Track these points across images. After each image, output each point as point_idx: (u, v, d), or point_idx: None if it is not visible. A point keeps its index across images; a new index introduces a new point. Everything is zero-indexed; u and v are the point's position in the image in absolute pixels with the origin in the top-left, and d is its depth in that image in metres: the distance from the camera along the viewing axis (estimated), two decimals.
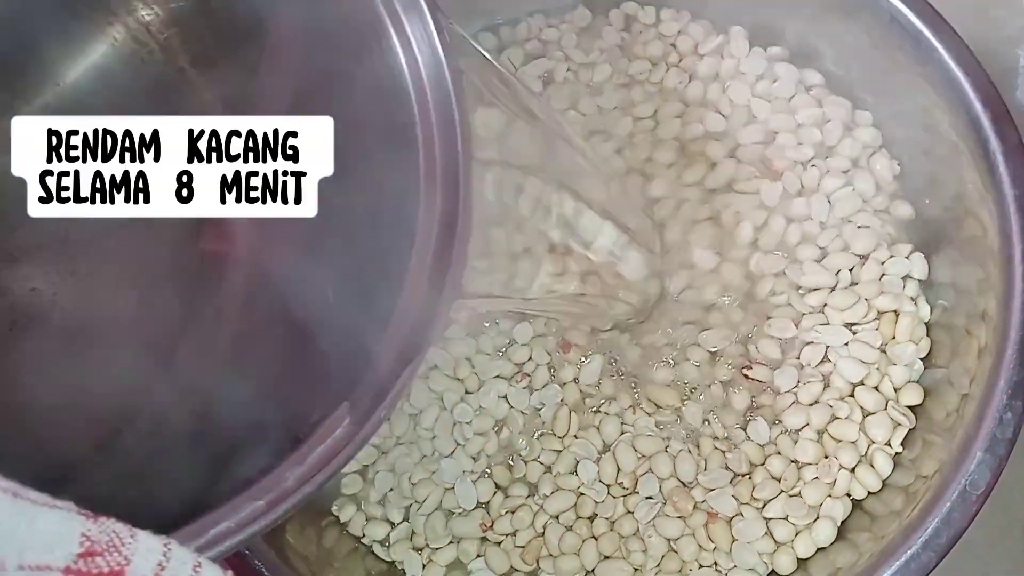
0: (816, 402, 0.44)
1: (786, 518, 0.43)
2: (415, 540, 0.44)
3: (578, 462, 0.44)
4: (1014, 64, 0.53)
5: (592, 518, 0.44)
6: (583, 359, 0.46)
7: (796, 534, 0.43)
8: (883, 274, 0.45)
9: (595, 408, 0.46)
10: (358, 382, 0.25)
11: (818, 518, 0.43)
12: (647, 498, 0.44)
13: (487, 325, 0.47)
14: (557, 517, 0.44)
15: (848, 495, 0.43)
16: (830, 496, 0.43)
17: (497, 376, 0.46)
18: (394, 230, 0.25)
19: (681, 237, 0.48)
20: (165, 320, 0.28)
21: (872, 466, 0.43)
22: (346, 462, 0.25)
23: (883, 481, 0.43)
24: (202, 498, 0.23)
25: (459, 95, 0.25)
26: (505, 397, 0.46)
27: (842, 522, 0.43)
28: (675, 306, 0.47)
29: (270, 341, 0.28)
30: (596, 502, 0.44)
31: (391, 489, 0.45)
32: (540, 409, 0.46)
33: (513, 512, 0.44)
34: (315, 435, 0.24)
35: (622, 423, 0.45)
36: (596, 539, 0.43)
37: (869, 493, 0.43)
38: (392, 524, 0.45)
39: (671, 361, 0.46)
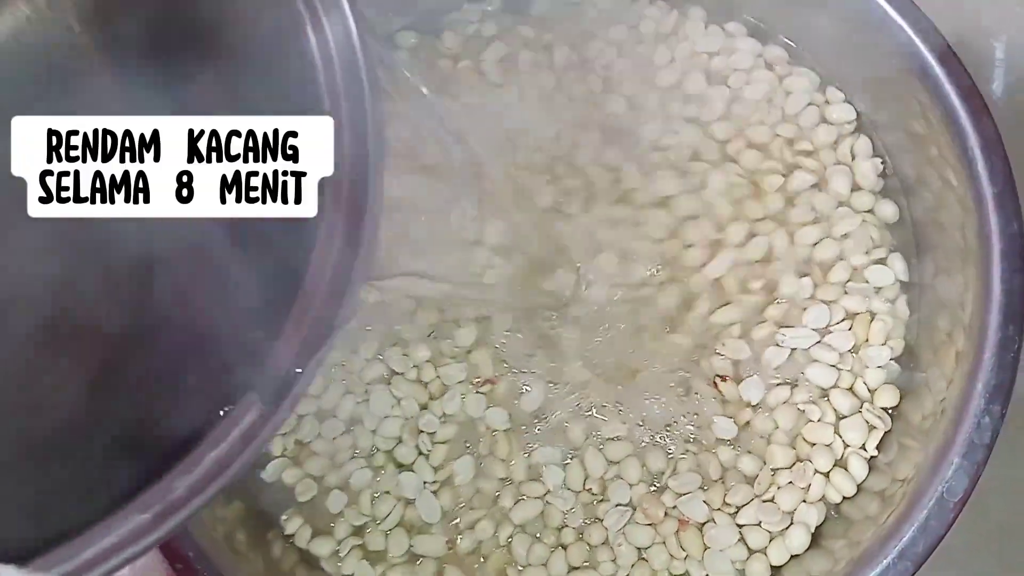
0: (784, 403, 0.43)
1: (759, 524, 0.42)
2: (368, 553, 0.42)
3: (544, 467, 0.43)
4: (990, 56, 0.52)
5: (561, 528, 0.42)
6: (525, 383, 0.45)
7: (770, 540, 0.42)
8: (850, 279, 0.44)
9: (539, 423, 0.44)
10: (256, 379, 0.23)
11: (792, 524, 0.42)
12: (617, 505, 0.42)
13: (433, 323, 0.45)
14: (524, 527, 0.42)
15: (822, 500, 0.42)
16: (804, 501, 0.42)
17: (461, 382, 0.44)
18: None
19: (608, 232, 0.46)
20: (50, 307, 0.26)
21: (847, 470, 0.42)
22: (242, 470, 0.23)
23: (858, 485, 0.42)
24: (91, 509, 0.21)
25: (372, 81, 0.24)
26: (463, 401, 0.44)
27: (816, 528, 0.42)
28: (618, 306, 0.45)
29: (165, 332, 0.26)
30: (563, 511, 0.42)
31: (347, 505, 0.43)
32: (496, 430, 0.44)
33: (473, 527, 0.42)
34: (207, 439, 0.23)
35: (587, 423, 0.43)
36: (565, 549, 0.42)
37: (844, 498, 0.42)
38: (338, 541, 0.43)
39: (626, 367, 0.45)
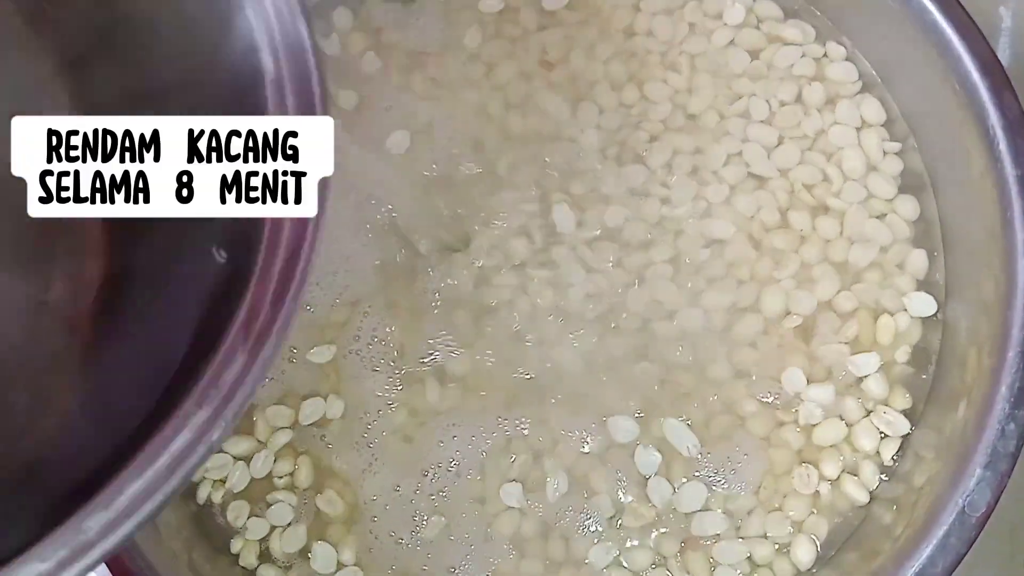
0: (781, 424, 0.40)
1: (765, 536, 0.39)
2: None
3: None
4: (997, 24, 0.50)
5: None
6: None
7: (776, 553, 0.39)
8: (857, 282, 0.41)
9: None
10: (196, 387, 0.21)
11: (799, 535, 0.39)
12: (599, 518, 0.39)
13: None
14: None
15: (832, 509, 0.39)
16: (814, 511, 0.39)
17: None
18: None
19: None
20: None
21: (858, 477, 0.39)
22: (164, 504, 0.20)
23: (871, 493, 0.39)
24: None
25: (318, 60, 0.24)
26: None
27: (826, 541, 0.39)
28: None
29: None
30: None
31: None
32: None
33: None
34: (131, 465, 0.20)
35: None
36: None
37: (856, 507, 0.39)
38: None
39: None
